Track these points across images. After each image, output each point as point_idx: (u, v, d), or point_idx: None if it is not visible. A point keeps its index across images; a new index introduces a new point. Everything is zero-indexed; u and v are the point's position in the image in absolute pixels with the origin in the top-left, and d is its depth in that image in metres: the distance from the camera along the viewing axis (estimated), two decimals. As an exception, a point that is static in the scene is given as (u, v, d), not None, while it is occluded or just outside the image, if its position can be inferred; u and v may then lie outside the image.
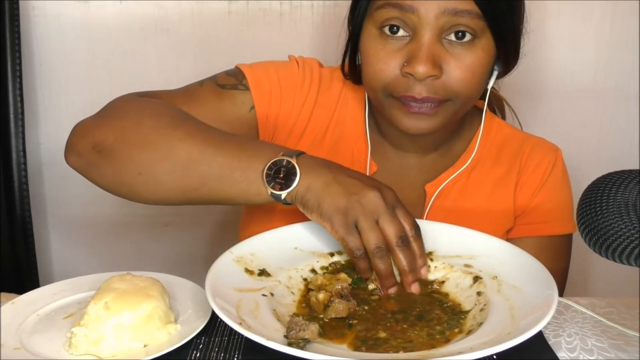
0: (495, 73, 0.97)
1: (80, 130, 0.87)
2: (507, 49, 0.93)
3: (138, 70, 1.40)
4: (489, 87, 0.98)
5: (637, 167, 0.66)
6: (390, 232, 0.77)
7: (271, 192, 0.79)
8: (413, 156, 1.04)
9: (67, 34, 1.37)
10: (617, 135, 1.51)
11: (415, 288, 0.80)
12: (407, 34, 0.89)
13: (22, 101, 1.33)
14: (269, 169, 0.79)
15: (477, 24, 0.87)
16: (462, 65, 0.88)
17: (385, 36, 0.89)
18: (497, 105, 1.18)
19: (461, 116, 0.97)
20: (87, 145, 0.84)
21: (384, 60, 0.90)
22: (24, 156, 1.35)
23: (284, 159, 0.79)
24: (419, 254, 0.80)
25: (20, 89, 1.32)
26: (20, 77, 1.32)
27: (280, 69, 1.02)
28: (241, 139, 0.86)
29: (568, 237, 1.06)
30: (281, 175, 0.79)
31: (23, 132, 1.34)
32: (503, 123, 1.09)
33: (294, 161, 0.79)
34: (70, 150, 0.86)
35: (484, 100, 1.00)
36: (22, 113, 1.33)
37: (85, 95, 1.40)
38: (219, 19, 1.38)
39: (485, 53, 0.90)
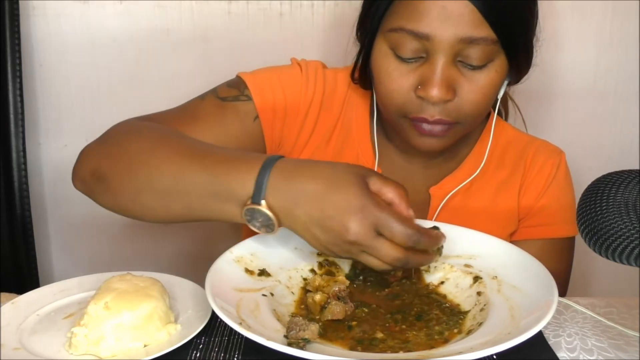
0: (506, 82, 0.96)
1: (82, 157, 0.88)
2: (519, 63, 0.92)
3: (138, 71, 1.40)
4: (499, 96, 0.97)
5: (637, 167, 0.66)
6: (388, 259, 0.72)
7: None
8: (418, 160, 1.03)
9: (67, 34, 1.36)
10: (617, 135, 1.51)
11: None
12: (422, 56, 0.88)
13: (22, 101, 1.32)
14: (246, 215, 0.74)
15: (493, 48, 0.86)
16: (475, 89, 0.88)
17: (399, 57, 0.88)
18: (502, 103, 1.16)
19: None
20: (87, 172, 0.86)
21: (398, 82, 0.89)
22: (24, 156, 1.35)
23: (254, 209, 0.73)
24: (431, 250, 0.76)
25: (20, 89, 1.32)
26: (20, 77, 1.32)
27: (283, 74, 1.01)
28: (214, 161, 0.78)
29: (571, 240, 1.06)
30: (260, 220, 0.74)
31: (23, 132, 1.34)
32: (507, 125, 1.09)
33: (265, 209, 0.73)
34: (75, 175, 0.88)
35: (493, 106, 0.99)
36: (22, 113, 1.33)
37: (85, 95, 1.40)
38: (219, 19, 1.38)
39: (498, 74, 0.89)
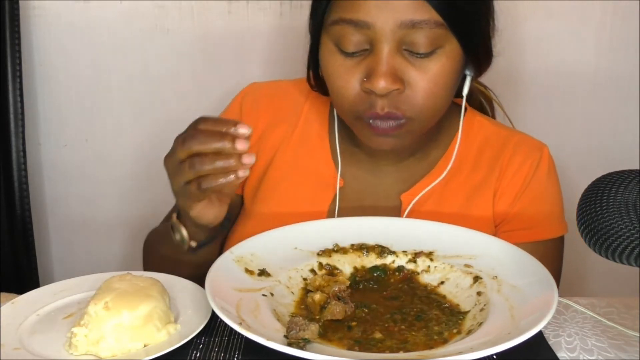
0: (469, 77, 0.92)
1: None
2: (477, 51, 0.88)
3: (138, 70, 1.40)
4: (465, 93, 0.94)
5: (637, 167, 0.67)
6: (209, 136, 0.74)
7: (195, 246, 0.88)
8: (387, 163, 0.99)
9: (67, 34, 1.37)
10: (617, 135, 1.51)
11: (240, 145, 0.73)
12: (366, 48, 0.84)
13: (22, 101, 1.33)
14: (172, 232, 0.89)
15: (439, 32, 0.82)
16: (425, 77, 0.84)
17: (343, 52, 0.86)
18: (488, 105, 1.12)
19: (430, 128, 0.93)
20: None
21: (344, 78, 0.86)
22: (24, 156, 1.35)
23: (171, 223, 0.88)
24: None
25: (20, 89, 1.32)
26: (20, 77, 1.32)
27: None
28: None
29: (556, 241, 1.00)
30: (177, 235, 0.88)
31: (23, 132, 1.34)
32: (485, 120, 1.03)
33: (174, 220, 0.88)
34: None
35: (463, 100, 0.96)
36: (22, 113, 1.33)
37: (85, 95, 1.40)
38: (219, 18, 1.38)
39: (450, 60, 0.85)
